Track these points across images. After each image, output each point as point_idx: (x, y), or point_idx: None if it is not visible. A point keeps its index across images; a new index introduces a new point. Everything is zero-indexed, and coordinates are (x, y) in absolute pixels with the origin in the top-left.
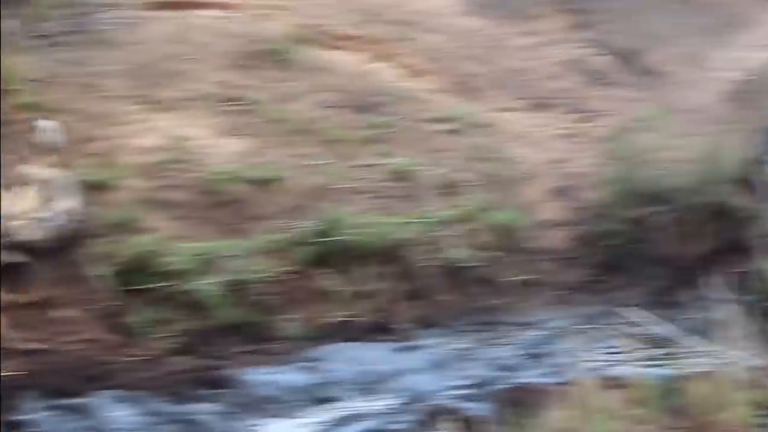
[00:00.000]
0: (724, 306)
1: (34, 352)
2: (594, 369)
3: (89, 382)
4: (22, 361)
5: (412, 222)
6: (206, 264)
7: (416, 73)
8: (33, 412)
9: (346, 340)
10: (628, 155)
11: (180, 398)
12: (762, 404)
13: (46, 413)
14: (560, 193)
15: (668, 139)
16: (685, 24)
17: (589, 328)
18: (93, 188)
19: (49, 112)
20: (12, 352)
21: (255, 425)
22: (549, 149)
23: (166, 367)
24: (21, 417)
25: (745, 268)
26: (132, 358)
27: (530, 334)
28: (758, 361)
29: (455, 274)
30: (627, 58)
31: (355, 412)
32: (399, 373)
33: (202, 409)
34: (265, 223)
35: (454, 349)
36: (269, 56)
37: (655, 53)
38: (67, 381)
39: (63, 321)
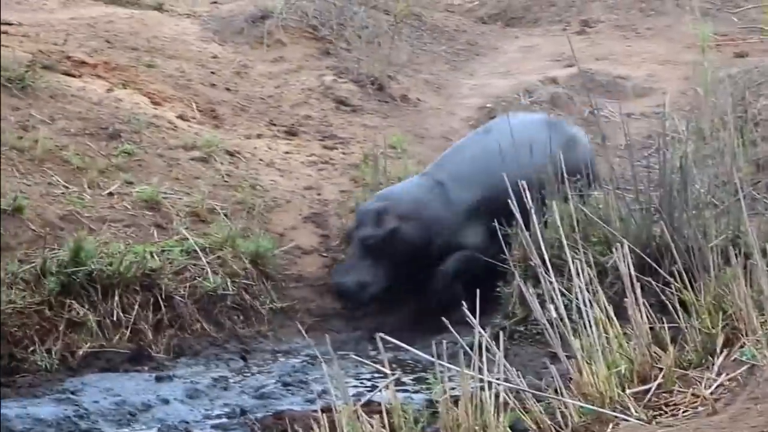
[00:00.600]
0: (480, 329)
1: None
2: (350, 395)
3: None
4: None
5: (162, 250)
6: None
7: (161, 100)
8: None
9: (101, 371)
10: (376, 181)
11: None
12: (515, 427)
13: None
14: (312, 220)
15: (416, 166)
16: (430, 52)
17: (344, 354)
18: None
19: None
20: None
21: None
22: (300, 176)
23: None
24: None
25: (500, 291)
26: None
27: (286, 361)
28: (513, 384)
29: (209, 303)
30: (374, 85)
31: None
32: (156, 404)
33: None
34: (9, 253)
35: (211, 378)
36: (9, 82)
37: (401, 80)
38: None
39: None
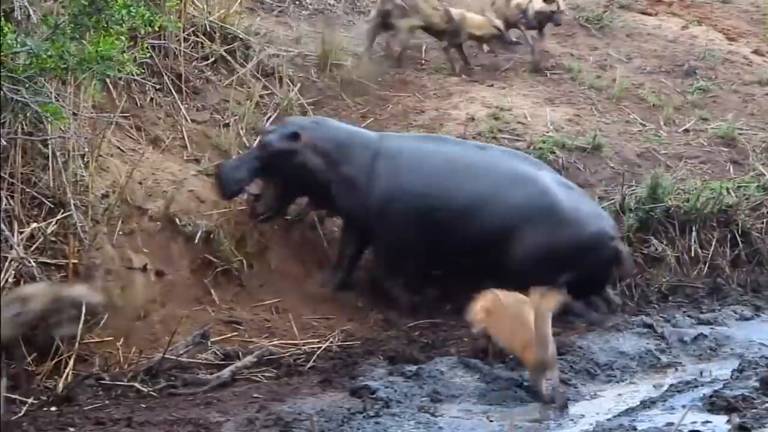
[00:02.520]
0: None
1: None
2: None
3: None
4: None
5: (738, 186)
6: None
7: (735, 36)
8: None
9: (679, 306)
10: None
11: (518, 364)
12: None
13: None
14: None
15: None
16: None
17: None
18: None
19: None
20: None
21: (596, 391)
22: None
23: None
24: (365, 383)
25: None
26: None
27: None
28: None
29: None
30: None
31: (692, 378)
32: (738, 339)
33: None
34: (588, 190)
35: None
36: (587, 23)
37: None
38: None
39: None
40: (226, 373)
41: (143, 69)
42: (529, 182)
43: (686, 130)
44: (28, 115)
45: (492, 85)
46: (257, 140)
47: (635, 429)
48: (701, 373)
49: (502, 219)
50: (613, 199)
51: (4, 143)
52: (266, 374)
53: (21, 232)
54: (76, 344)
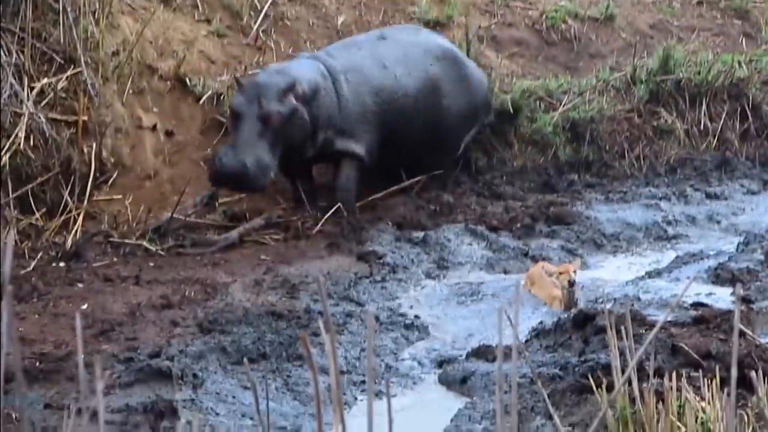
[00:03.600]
0: None
1: None
2: None
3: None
4: None
5: (750, 60)
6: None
7: None
8: (382, 243)
9: (687, 179)
10: None
11: (525, 233)
12: None
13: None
14: None
15: None
16: None
17: None
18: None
19: None
20: None
21: (599, 262)
22: None
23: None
24: (372, 248)
25: None
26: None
27: None
28: None
29: None
30: None
31: (698, 250)
32: (740, 212)
33: (544, 245)
34: (600, 61)
35: None
36: None
37: None
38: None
39: None
40: (233, 234)
41: None
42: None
43: (699, 2)
44: None
45: None
46: (241, 117)
47: (639, 299)
48: (707, 245)
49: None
50: (624, 70)
51: None
52: (274, 237)
53: (31, 88)
54: (85, 201)
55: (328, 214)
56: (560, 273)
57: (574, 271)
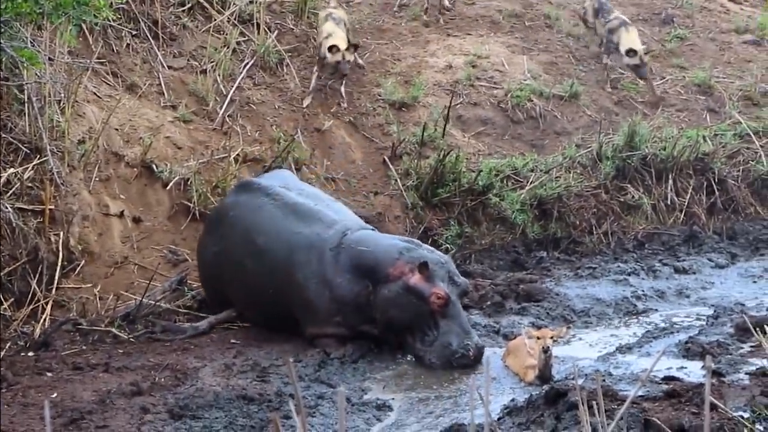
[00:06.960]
0: None
1: None
2: None
3: None
4: None
5: (715, 134)
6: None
7: None
8: None
9: (656, 254)
10: None
11: (495, 311)
12: None
13: None
14: None
15: None
16: None
17: None
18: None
19: None
20: None
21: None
22: None
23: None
24: None
25: None
26: None
27: None
28: None
29: (762, 186)
30: None
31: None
32: (708, 286)
33: (514, 322)
34: (566, 138)
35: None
36: None
37: None
38: None
39: None
40: (204, 324)
41: (119, 14)
42: None
43: (663, 78)
44: (3, 60)
45: (470, 34)
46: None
47: (611, 374)
48: (677, 319)
49: None
50: (590, 147)
51: None
52: (243, 320)
53: None
54: (54, 290)
55: None
56: (538, 338)
57: (552, 338)
